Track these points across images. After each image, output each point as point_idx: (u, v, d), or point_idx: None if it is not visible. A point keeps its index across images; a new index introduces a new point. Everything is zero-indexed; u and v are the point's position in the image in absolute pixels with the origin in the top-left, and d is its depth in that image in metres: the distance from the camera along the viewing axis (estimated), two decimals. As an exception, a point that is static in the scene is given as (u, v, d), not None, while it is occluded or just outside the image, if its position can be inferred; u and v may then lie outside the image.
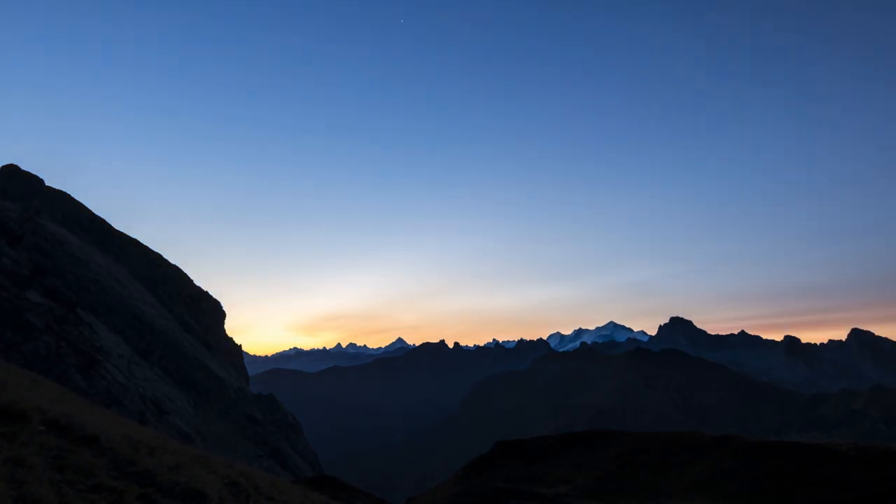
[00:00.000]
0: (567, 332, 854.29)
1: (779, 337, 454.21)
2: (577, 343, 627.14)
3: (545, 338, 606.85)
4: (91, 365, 51.19)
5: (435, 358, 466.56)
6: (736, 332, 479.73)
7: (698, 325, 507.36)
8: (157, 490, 7.30)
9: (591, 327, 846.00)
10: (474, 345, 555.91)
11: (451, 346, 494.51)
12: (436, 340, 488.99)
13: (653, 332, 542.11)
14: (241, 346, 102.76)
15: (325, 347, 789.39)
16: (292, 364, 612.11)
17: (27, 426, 7.49)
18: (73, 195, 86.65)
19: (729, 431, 34.56)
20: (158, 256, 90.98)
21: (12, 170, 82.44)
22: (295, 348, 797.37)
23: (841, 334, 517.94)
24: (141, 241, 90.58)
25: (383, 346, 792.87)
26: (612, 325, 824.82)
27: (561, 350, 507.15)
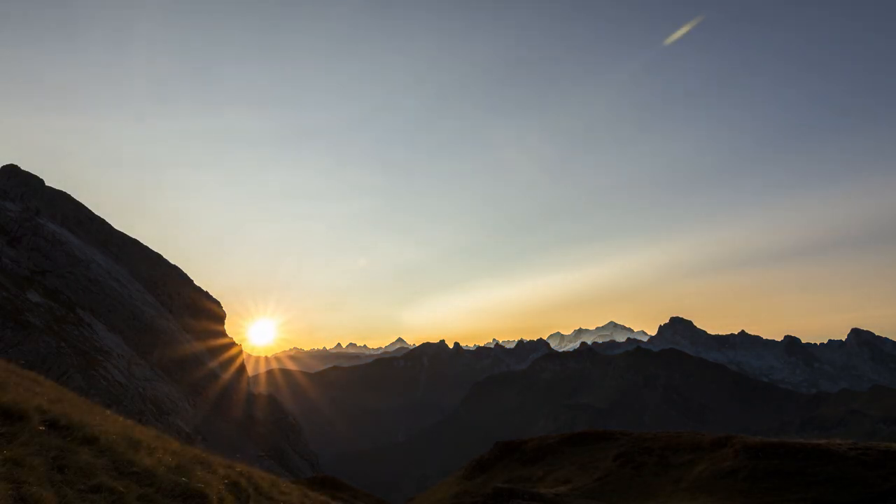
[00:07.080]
0: (567, 332, 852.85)
1: (779, 337, 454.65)
2: (577, 343, 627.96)
3: (545, 338, 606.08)
4: (91, 365, 51.22)
5: (435, 358, 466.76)
6: (736, 333, 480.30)
7: (698, 326, 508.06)
8: (157, 490, 7.30)
9: (591, 327, 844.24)
10: (474, 345, 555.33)
11: (451, 346, 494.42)
12: (436, 340, 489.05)
13: (653, 332, 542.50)
14: (240, 345, 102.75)
15: (325, 347, 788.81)
16: (292, 364, 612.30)
17: (27, 426, 7.49)
18: (73, 195, 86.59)
19: (729, 431, 34.53)
20: (158, 256, 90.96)
21: (12, 170, 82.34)
22: (295, 348, 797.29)
23: (841, 334, 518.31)
24: (141, 240, 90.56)
25: (383, 347, 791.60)
26: (612, 325, 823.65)
27: (561, 350, 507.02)
